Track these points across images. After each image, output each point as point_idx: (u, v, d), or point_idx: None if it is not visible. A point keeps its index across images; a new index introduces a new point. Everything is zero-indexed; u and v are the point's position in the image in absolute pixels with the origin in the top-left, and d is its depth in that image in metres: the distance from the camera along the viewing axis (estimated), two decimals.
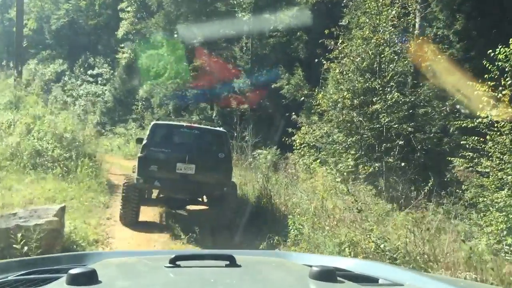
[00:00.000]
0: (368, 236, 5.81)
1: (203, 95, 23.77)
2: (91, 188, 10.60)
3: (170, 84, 24.23)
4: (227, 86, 22.53)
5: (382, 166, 11.59)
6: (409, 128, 10.95)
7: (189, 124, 9.49)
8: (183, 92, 24.09)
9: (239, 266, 1.67)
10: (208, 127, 10.25)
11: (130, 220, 8.73)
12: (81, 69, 35.24)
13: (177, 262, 1.63)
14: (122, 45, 30.69)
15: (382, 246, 5.50)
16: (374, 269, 1.87)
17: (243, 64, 23.23)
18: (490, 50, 8.16)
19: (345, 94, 11.93)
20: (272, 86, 17.53)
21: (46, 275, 1.61)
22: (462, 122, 8.78)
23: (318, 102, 12.44)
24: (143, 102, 28.35)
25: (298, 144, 12.75)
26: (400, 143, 11.00)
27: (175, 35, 24.15)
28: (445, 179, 10.49)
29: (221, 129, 10.20)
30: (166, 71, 24.72)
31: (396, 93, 11.02)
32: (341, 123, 12.39)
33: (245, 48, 23.61)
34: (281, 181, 10.02)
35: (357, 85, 11.61)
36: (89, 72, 34.62)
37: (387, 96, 10.99)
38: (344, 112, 11.73)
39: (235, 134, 16.73)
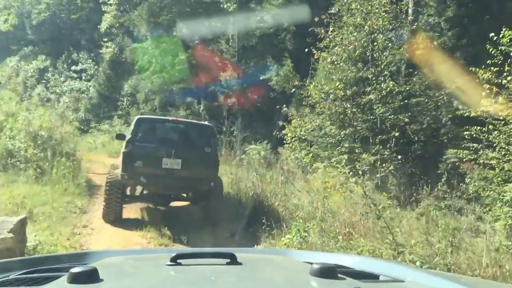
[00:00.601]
0: (399, 253, 4.99)
1: (189, 90, 23.04)
2: (67, 191, 9.67)
3: (156, 79, 23.45)
4: (214, 80, 21.87)
5: (377, 160, 11.04)
6: (405, 119, 10.37)
7: (174, 118, 9.21)
8: (169, 86, 23.32)
9: (240, 264, 1.65)
10: (194, 121, 10.09)
11: (114, 217, 8.46)
12: (65, 65, 34.19)
13: (178, 260, 1.62)
14: (106, 39, 29.74)
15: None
16: (374, 265, 1.85)
17: (230, 57, 22.50)
18: (493, 34, 7.59)
19: (337, 85, 11.32)
20: (261, 78, 16.84)
21: (48, 274, 1.58)
22: (463, 112, 8.21)
23: (309, 93, 11.81)
24: (129, 98, 27.52)
25: (289, 138, 12.13)
26: (395, 134, 10.43)
27: (160, 29, 23.33)
28: (443, 171, 10.00)
29: (206, 123, 9.93)
30: (151, 65, 23.94)
31: (391, 82, 10.43)
32: (333, 115, 11.80)
33: (231, 40, 22.89)
34: (276, 179, 9.22)
35: (349, 75, 11.00)
36: (73, 68, 33.61)
37: (382, 86, 10.39)
38: (336, 103, 11.12)
39: (224, 129, 16.09)
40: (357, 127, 11.21)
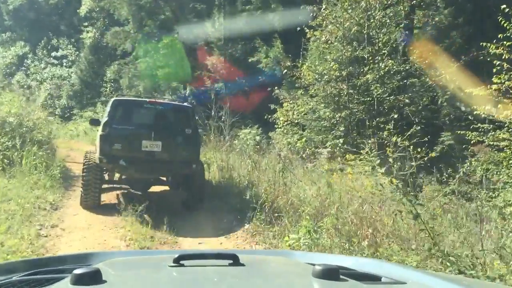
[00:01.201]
0: (460, 272, 3.85)
1: (174, 74, 22.22)
2: (38, 183, 8.60)
3: (139, 64, 22.54)
4: (200, 64, 21.12)
5: (375, 143, 10.47)
6: (406, 100, 9.77)
7: (153, 100, 8.96)
8: (154, 71, 22.43)
9: (243, 265, 1.64)
10: (173, 102, 9.93)
11: (92, 203, 8.20)
12: (44, 51, 33.02)
13: (181, 262, 1.61)
14: (86, 23, 28.62)
15: None
16: (377, 267, 1.84)
17: (216, 40, 21.66)
18: (504, 6, 7.00)
19: (331, 65, 10.68)
20: (249, 60, 16.08)
21: (51, 275, 1.57)
22: (474, 90, 7.63)
23: (301, 75, 11.15)
24: (112, 84, 26.60)
25: (281, 122, 11.50)
26: (394, 116, 9.85)
27: (142, 12, 22.35)
28: (438, 154, 9.51)
29: (186, 104, 9.65)
30: (134, 49, 23.00)
31: (391, 61, 9.82)
32: (327, 97, 11.19)
33: (217, 23, 22.04)
34: (273, 166, 8.32)
35: (345, 53, 10.35)
36: (53, 54, 32.47)
37: (380, 65, 9.76)
38: (331, 85, 10.48)
39: (213, 113, 15.37)
40: (353, 110, 10.60)
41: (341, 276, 1.48)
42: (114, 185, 9.05)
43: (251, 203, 7.14)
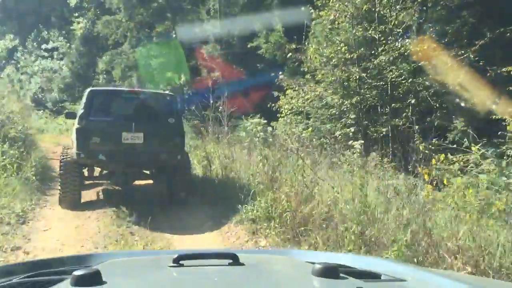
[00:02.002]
0: None
1: (168, 64, 21.17)
2: (5, 189, 7.02)
3: (132, 54, 21.45)
4: (196, 53, 20.11)
5: (388, 131, 9.52)
6: (426, 82, 8.77)
7: (131, 89, 8.55)
8: (147, 61, 21.35)
9: (243, 264, 1.62)
10: (154, 91, 9.43)
11: (72, 203, 7.51)
12: (35, 43, 31.77)
13: (181, 262, 1.59)
14: (76, 14, 27.41)
15: None
16: (376, 265, 1.82)
17: (211, 28, 20.57)
18: None
19: (340, 47, 9.68)
20: (248, 45, 15.02)
21: (51, 277, 1.54)
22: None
23: (307, 59, 10.14)
24: (104, 76, 25.48)
25: (286, 110, 10.51)
26: (411, 101, 8.89)
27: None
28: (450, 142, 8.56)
29: (167, 92, 9.15)
30: (126, 39, 21.91)
31: (408, 40, 8.82)
32: (335, 83, 10.21)
33: (212, 10, 20.94)
34: (285, 163, 6.76)
35: (357, 33, 9.34)
36: (44, 46, 31.18)
37: (396, 45, 8.77)
38: (343, 68, 9.47)
39: (211, 104, 14.36)
40: (365, 95, 9.62)
41: (340, 274, 1.46)
42: (95, 181, 8.45)
43: (268, 211, 5.93)
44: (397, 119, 9.20)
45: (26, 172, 7.83)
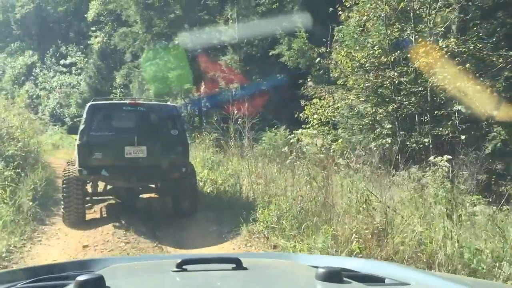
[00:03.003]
0: None
1: (186, 75, 20.46)
2: None
3: (149, 66, 20.76)
4: (214, 65, 19.36)
5: (429, 143, 8.49)
6: (476, 86, 7.73)
7: (133, 102, 7.95)
8: (164, 74, 20.65)
9: (246, 269, 1.60)
10: (155, 102, 9.36)
11: (76, 220, 7.16)
12: (53, 59, 31.51)
13: (184, 266, 1.58)
14: (94, 28, 27.00)
15: None
16: (380, 269, 1.79)
17: (229, 39, 19.81)
18: None
19: (374, 50, 8.73)
20: (270, 53, 14.12)
21: (54, 282, 1.56)
22: None
23: (337, 65, 9.20)
24: (122, 90, 24.94)
25: (315, 120, 9.55)
26: (458, 108, 7.86)
27: (150, 10, 20.60)
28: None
29: (169, 103, 9.03)
30: (143, 51, 21.26)
31: (453, 39, 7.82)
32: (367, 90, 9.23)
33: (230, 20, 20.18)
34: (331, 182, 5.22)
35: (393, 34, 8.37)
36: (62, 62, 30.93)
37: (440, 44, 7.77)
38: (379, 73, 8.49)
39: (231, 116, 13.49)
40: (403, 102, 8.62)
41: (344, 278, 1.43)
42: (99, 198, 8.18)
43: (327, 253, 4.48)
44: (440, 128, 8.17)
45: (21, 197, 6.66)
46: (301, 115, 10.26)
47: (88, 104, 7.48)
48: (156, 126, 7.71)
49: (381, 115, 8.73)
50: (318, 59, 10.01)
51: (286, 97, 15.87)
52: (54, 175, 9.64)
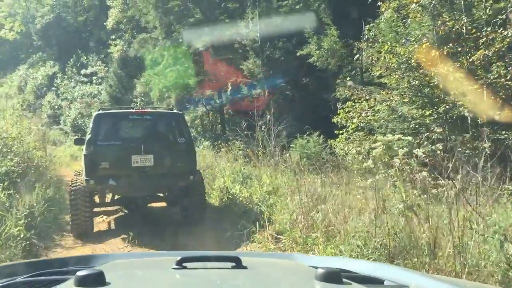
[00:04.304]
0: None
1: (208, 82, 19.59)
2: None
3: (170, 73, 19.94)
4: (235, 71, 18.50)
5: (492, 147, 7.29)
6: None
7: (138, 110, 7.99)
8: (185, 80, 19.81)
9: (245, 267, 1.60)
10: (161, 110, 9.42)
11: (84, 231, 7.18)
12: (73, 69, 31.08)
13: (184, 264, 1.58)
14: (114, 36, 26.40)
15: None
16: (379, 270, 1.78)
17: (250, 43, 18.83)
18: None
19: (420, 44, 7.60)
20: (298, 54, 13.04)
21: (54, 277, 1.53)
22: None
23: (377, 61, 8.09)
24: (142, 98, 24.22)
25: (353, 125, 8.46)
26: None
27: (170, 15, 19.82)
28: None
29: (175, 110, 8.82)
30: (163, 58, 20.46)
31: None
32: (412, 89, 8.10)
33: (251, 24, 19.21)
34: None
35: (448, 23, 7.23)
36: (82, 71, 30.48)
37: (507, 33, 6.59)
38: (427, 69, 7.36)
39: (256, 123, 12.46)
40: (456, 103, 7.46)
41: (343, 279, 1.42)
42: (107, 208, 8.10)
43: None
44: (504, 132, 6.98)
45: (9, 227, 5.16)
46: (338, 119, 9.15)
47: (95, 114, 7.45)
48: (162, 134, 7.73)
49: (433, 117, 7.57)
50: (357, 55, 8.90)
51: (313, 101, 14.82)
52: (64, 190, 8.75)
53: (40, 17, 32.61)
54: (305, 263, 1.89)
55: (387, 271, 1.74)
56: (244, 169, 8.53)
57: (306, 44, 12.46)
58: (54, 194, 8.34)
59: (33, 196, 6.95)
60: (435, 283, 1.52)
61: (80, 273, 1.29)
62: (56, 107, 30.14)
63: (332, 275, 1.38)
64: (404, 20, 8.08)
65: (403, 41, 7.81)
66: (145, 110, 8.21)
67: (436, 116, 7.54)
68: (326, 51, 11.41)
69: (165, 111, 9.06)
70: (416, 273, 1.85)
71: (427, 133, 7.88)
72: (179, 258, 1.56)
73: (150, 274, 1.67)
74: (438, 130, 7.80)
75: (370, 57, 9.07)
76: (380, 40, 8.25)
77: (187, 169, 7.43)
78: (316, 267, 1.50)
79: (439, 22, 7.69)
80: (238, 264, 1.57)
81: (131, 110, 8.00)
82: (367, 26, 9.63)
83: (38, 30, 33.20)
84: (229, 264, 1.58)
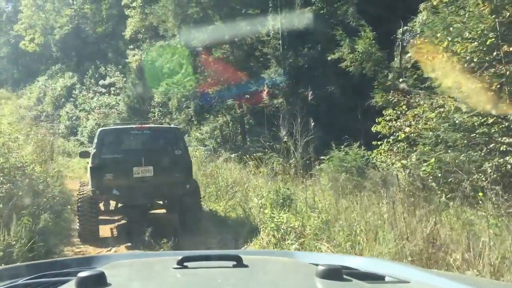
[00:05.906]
0: None
1: (228, 92, 18.59)
2: None
3: (188, 82, 18.98)
4: (256, 78, 17.51)
5: None
6: None
7: (139, 125, 8.72)
8: (204, 89, 18.81)
9: (246, 266, 1.57)
10: (159, 125, 10.35)
11: (90, 236, 7.79)
12: (92, 80, 30.39)
13: (185, 263, 1.55)
14: (132, 46, 25.62)
15: None
16: (380, 266, 1.75)
17: (272, 50, 17.74)
18: None
19: (483, 40, 6.39)
20: (329, 58, 11.85)
21: (56, 279, 1.51)
22: None
23: (431, 61, 6.87)
24: (160, 108, 23.34)
25: (403, 135, 7.24)
26: None
27: (189, 22, 18.90)
28: None
29: (172, 125, 9.66)
30: (182, 67, 19.52)
31: None
32: (469, 93, 6.86)
33: (272, 31, 18.15)
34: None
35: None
36: (101, 82, 29.78)
37: None
38: (501, 67, 6.12)
39: (280, 134, 11.30)
40: None
41: (344, 276, 1.40)
42: (111, 215, 8.77)
43: None
44: None
45: None
46: (377, 128, 7.94)
47: (99, 130, 8.13)
48: (161, 147, 8.21)
49: (500, 127, 6.32)
50: (409, 54, 7.68)
51: (341, 110, 13.69)
52: (70, 209, 8.18)
53: (59, 28, 32.10)
54: (305, 260, 1.86)
55: (388, 267, 1.71)
56: (288, 188, 7.05)
57: (337, 48, 11.25)
58: (53, 219, 7.13)
59: (11, 230, 5.31)
60: (436, 278, 1.49)
61: (81, 274, 1.27)
62: (74, 118, 29.45)
63: (333, 272, 1.36)
64: (463, 13, 6.86)
65: (460, 39, 6.56)
66: (144, 126, 8.74)
67: (506, 124, 6.26)
68: (360, 55, 10.20)
69: (163, 126, 9.65)
70: (417, 268, 1.79)
71: (493, 144, 6.63)
72: (180, 257, 1.53)
73: (151, 274, 1.65)
74: (506, 141, 6.55)
75: (413, 59, 7.83)
76: (433, 36, 7.03)
77: (183, 179, 7.99)
78: (316, 264, 1.48)
79: (501, 17, 6.47)
80: (239, 262, 1.54)
81: (131, 126, 8.62)
82: (410, 24, 8.45)
83: (57, 41, 32.70)
84: (230, 263, 1.55)
